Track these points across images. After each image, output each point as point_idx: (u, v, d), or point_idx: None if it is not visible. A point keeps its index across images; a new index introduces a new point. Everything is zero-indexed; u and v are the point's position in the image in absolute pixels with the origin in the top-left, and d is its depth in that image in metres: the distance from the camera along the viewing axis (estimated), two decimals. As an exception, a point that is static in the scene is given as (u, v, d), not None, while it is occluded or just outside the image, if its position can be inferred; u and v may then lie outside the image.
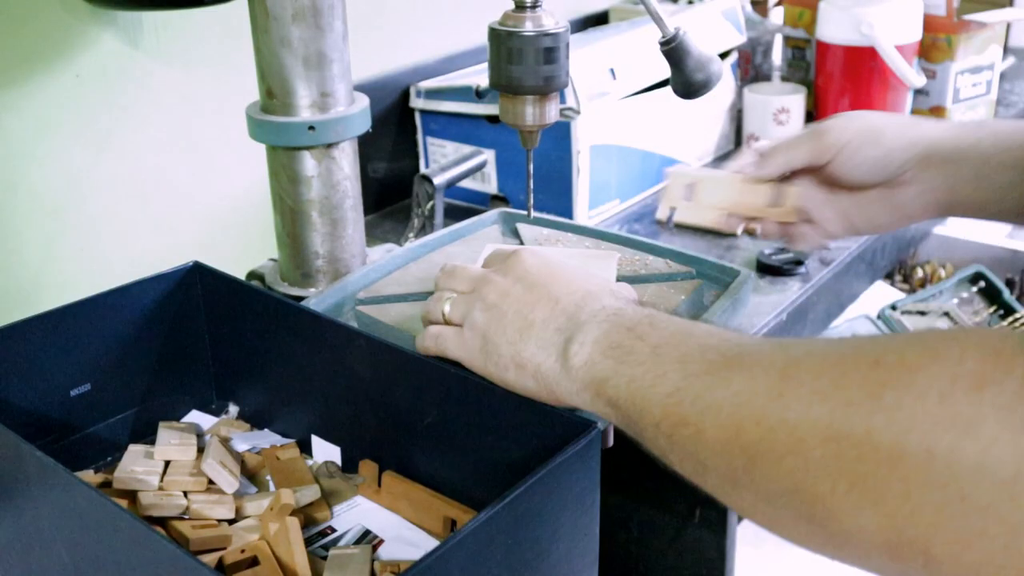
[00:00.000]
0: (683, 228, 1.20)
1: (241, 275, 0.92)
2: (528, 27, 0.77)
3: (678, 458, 0.53)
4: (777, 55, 1.63)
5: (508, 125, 0.82)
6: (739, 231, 1.17)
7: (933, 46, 1.40)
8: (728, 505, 0.52)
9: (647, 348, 0.56)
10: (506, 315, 0.65)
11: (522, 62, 0.78)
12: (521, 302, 0.65)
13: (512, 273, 0.67)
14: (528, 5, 0.77)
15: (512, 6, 0.78)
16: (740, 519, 1.10)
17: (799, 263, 1.09)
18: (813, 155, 0.86)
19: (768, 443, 0.46)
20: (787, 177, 0.90)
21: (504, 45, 0.78)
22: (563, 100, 1.15)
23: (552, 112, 0.82)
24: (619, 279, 0.82)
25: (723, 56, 1.43)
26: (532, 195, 0.89)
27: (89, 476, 0.75)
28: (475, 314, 0.67)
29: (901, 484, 0.41)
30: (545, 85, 0.79)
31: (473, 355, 0.67)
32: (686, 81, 0.85)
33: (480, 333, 0.66)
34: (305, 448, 0.80)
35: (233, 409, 0.85)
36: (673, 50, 0.84)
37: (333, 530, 0.72)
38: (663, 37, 0.84)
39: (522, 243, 0.92)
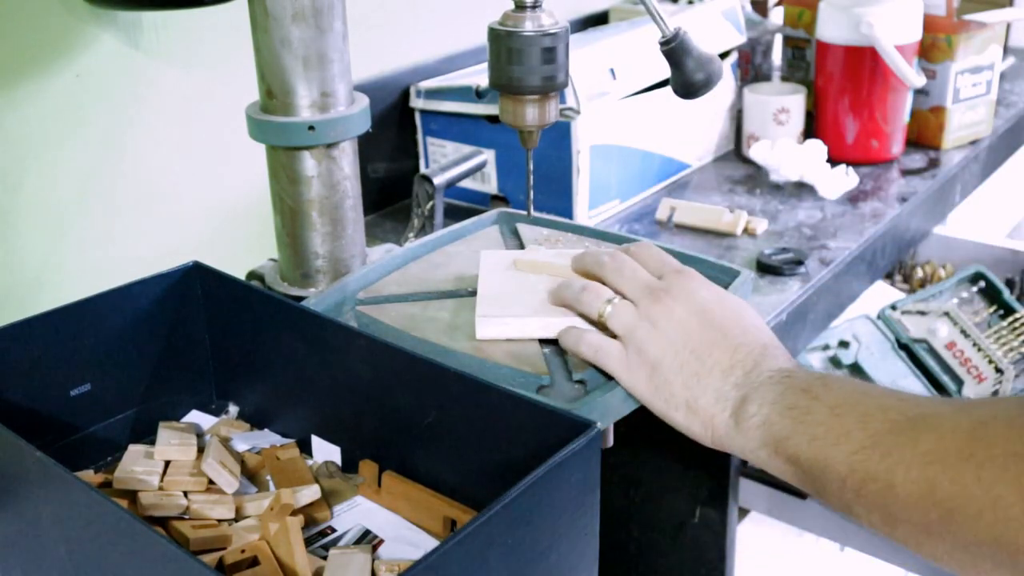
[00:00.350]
0: (683, 228, 1.20)
1: (241, 275, 0.92)
2: (528, 27, 0.77)
3: (865, 510, 0.55)
4: (777, 55, 1.63)
5: (508, 125, 0.82)
6: (738, 231, 1.18)
7: (933, 46, 1.40)
8: (920, 553, 0.54)
9: (825, 408, 0.59)
10: (680, 352, 0.65)
11: (522, 62, 0.78)
12: (697, 341, 0.65)
13: (685, 300, 0.67)
14: (528, 5, 0.77)
15: (512, 6, 0.78)
16: (740, 519, 1.10)
17: (799, 263, 1.09)
18: None
19: (964, 499, 0.49)
20: None
21: (504, 45, 0.78)
22: (563, 100, 1.15)
23: (552, 112, 0.81)
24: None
25: (723, 56, 1.43)
26: (532, 195, 0.89)
27: (89, 476, 0.75)
28: (644, 338, 0.66)
29: None
30: (545, 85, 0.79)
31: (638, 381, 0.67)
32: (686, 81, 0.85)
33: (649, 362, 0.66)
34: (305, 448, 0.80)
35: (233, 409, 0.85)
36: (673, 50, 0.84)
37: (333, 530, 0.72)
38: (663, 37, 0.84)
39: (522, 244, 0.92)
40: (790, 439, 0.59)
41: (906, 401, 0.57)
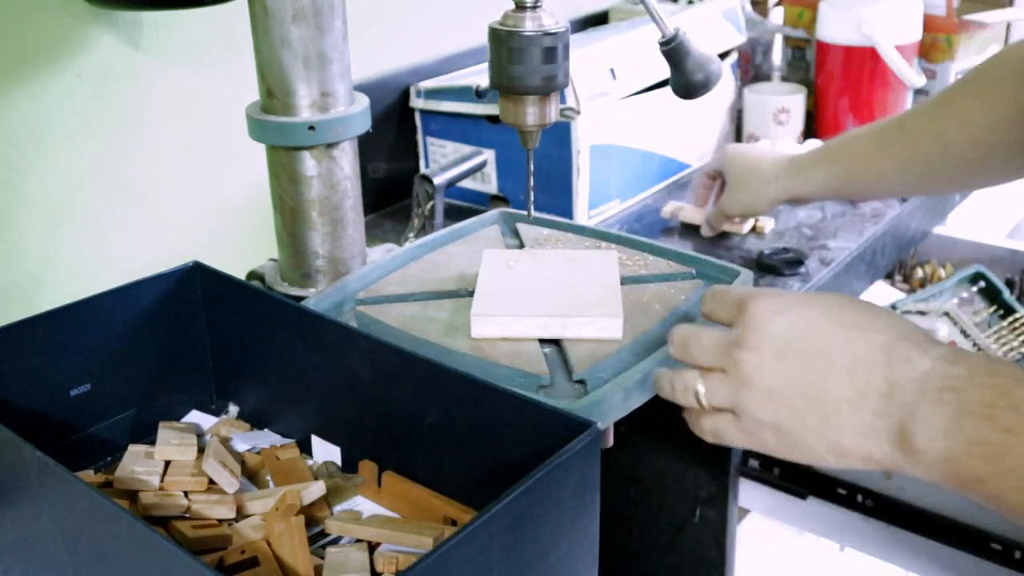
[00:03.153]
0: (688, 227, 1.20)
1: (241, 275, 0.91)
2: (528, 27, 0.77)
3: None
4: (777, 55, 1.63)
5: (508, 125, 0.82)
6: (744, 230, 1.18)
7: (933, 46, 1.40)
8: None
9: (1022, 444, 0.52)
10: (792, 400, 0.58)
11: (523, 62, 0.77)
12: (803, 381, 0.58)
13: (768, 343, 0.59)
14: (528, 5, 0.77)
15: (512, 6, 0.78)
16: (740, 519, 1.10)
17: (799, 263, 1.09)
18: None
19: None
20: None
21: (505, 45, 0.78)
22: (563, 100, 1.15)
23: (552, 112, 0.81)
24: (620, 279, 0.82)
25: (723, 56, 1.43)
26: (532, 195, 0.89)
27: (89, 476, 0.75)
28: (749, 405, 0.60)
29: None
30: (546, 85, 0.79)
31: (769, 447, 0.61)
32: (686, 81, 0.85)
33: (770, 426, 0.60)
34: (305, 448, 0.80)
35: (233, 409, 0.85)
36: (673, 50, 0.84)
37: (333, 530, 0.72)
38: (663, 37, 0.84)
39: (522, 244, 0.92)
40: (987, 482, 0.53)
41: None
